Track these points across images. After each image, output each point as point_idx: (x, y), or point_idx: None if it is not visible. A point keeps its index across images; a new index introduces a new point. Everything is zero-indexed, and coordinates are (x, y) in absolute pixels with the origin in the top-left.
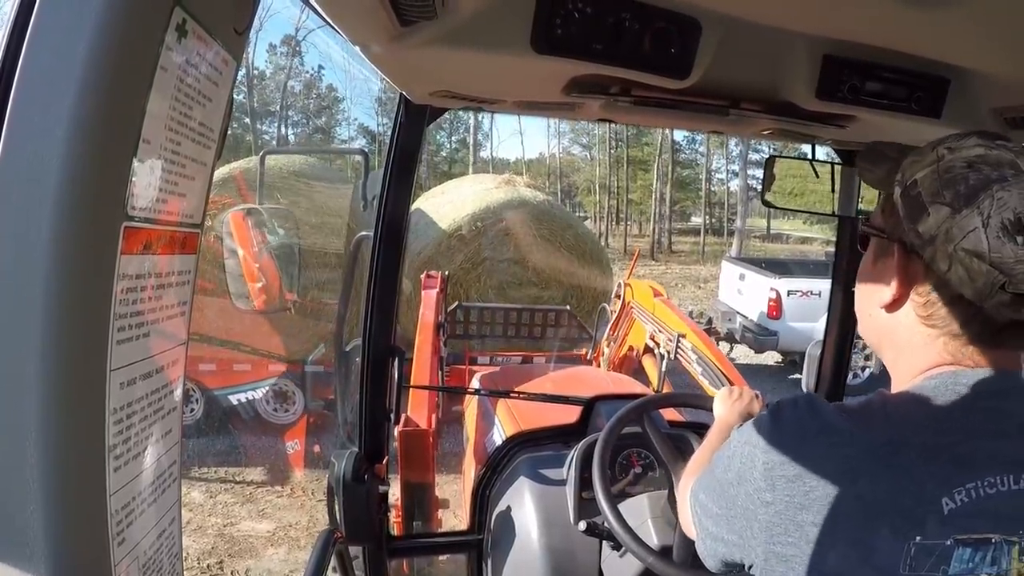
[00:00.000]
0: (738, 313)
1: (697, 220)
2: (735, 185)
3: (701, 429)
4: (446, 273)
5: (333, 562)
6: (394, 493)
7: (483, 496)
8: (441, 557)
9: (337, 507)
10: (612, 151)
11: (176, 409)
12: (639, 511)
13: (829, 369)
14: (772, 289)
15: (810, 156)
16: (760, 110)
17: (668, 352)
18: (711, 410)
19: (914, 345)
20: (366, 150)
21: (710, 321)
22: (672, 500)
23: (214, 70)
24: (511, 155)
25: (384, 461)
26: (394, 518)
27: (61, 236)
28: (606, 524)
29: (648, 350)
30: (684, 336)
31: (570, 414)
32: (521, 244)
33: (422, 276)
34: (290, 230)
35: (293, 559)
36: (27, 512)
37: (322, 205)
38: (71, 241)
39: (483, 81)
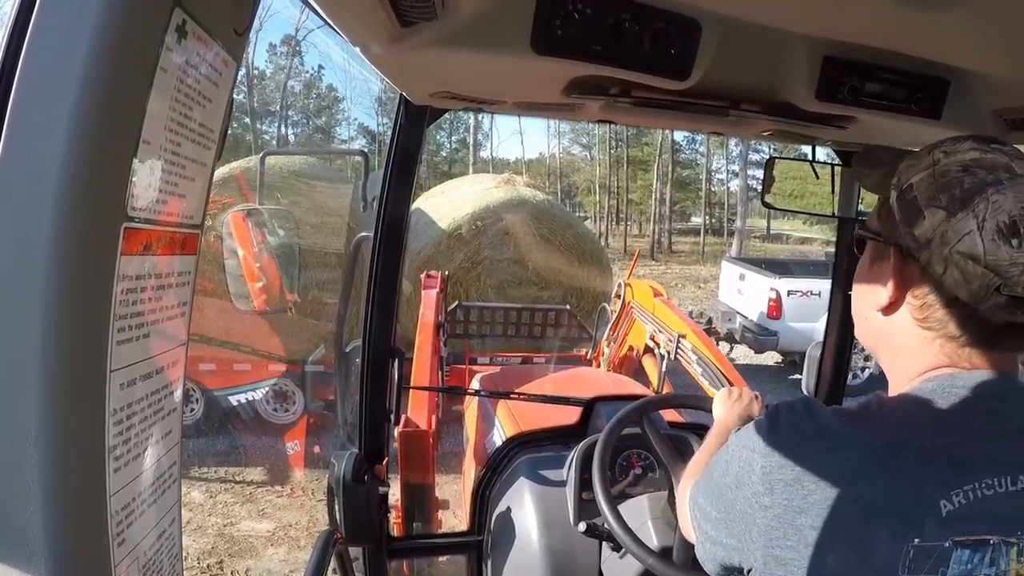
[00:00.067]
0: (738, 313)
1: (697, 220)
2: (735, 185)
3: (701, 430)
4: (446, 273)
5: (333, 563)
6: (394, 494)
7: (483, 497)
8: (441, 558)
9: (337, 508)
10: (612, 151)
11: (176, 410)
12: (639, 512)
13: (829, 370)
14: (772, 289)
15: (810, 157)
16: (760, 111)
17: (668, 352)
18: (711, 411)
19: (910, 348)
20: (366, 151)
21: (710, 321)
22: (672, 501)
23: (214, 71)
24: (511, 155)
25: (384, 462)
26: (394, 519)
27: (61, 237)
28: (606, 525)
29: (648, 350)
30: (684, 336)
31: (570, 415)
32: (521, 243)
33: (422, 276)
34: (290, 230)
35: (293, 559)
36: (27, 512)
37: (322, 205)
38: (71, 242)
39: (483, 82)
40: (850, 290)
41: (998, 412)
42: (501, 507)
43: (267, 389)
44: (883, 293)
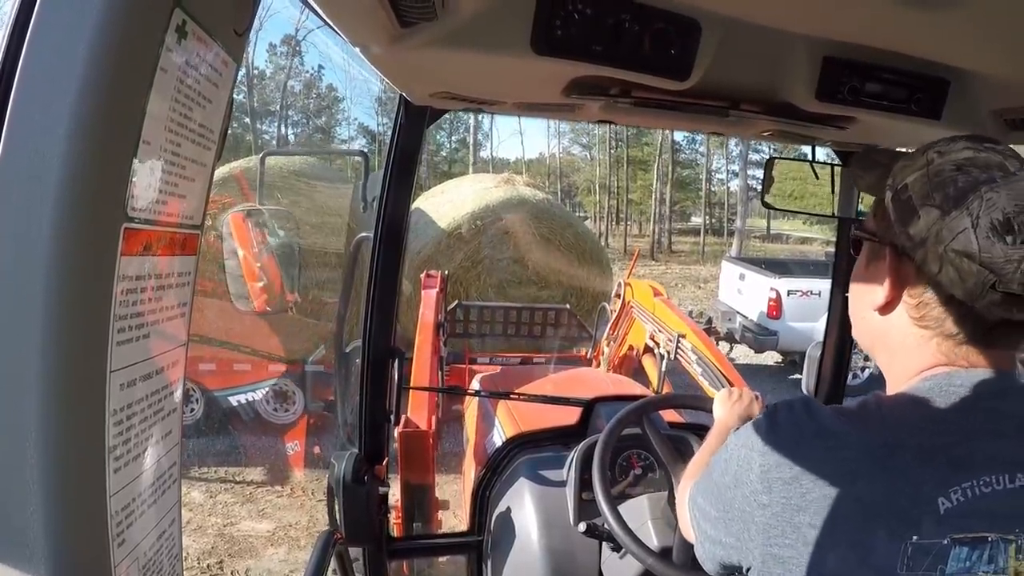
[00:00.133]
0: (738, 313)
1: (697, 220)
2: (735, 185)
3: (701, 430)
4: (446, 272)
5: (333, 563)
6: (394, 494)
7: (483, 497)
8: (441, 558)
9: (337, 508)
10: (612, 151)
11: (176, 410)
12: (639, 512)
13: (829, 370)
14: (772, 289)
15: (810, 157)
16: (760, 111)
17: (668, 352)
18: (711, 412)
19: (908, 347)
20: (366, 151)
21: (710, 321)
22: (672, 501)
23: (214, 71)
24: (511, 155)
25: (384, 462)
26: (394, 519)
27: (61, 237)
28: (606, 525)
29: (648, 350)
30: (684, 336)
31: (570, 415)
32: (521, 243)
33: (421, 275)
34: (290, 231)
35: (293, 559)
36: (27, 512)
37: (323, 205)
38: (71, 242)
39: (483, 82)
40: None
41: (996, 410)
42: (501, 507)
43: (267, 389)
44: (879, 293)
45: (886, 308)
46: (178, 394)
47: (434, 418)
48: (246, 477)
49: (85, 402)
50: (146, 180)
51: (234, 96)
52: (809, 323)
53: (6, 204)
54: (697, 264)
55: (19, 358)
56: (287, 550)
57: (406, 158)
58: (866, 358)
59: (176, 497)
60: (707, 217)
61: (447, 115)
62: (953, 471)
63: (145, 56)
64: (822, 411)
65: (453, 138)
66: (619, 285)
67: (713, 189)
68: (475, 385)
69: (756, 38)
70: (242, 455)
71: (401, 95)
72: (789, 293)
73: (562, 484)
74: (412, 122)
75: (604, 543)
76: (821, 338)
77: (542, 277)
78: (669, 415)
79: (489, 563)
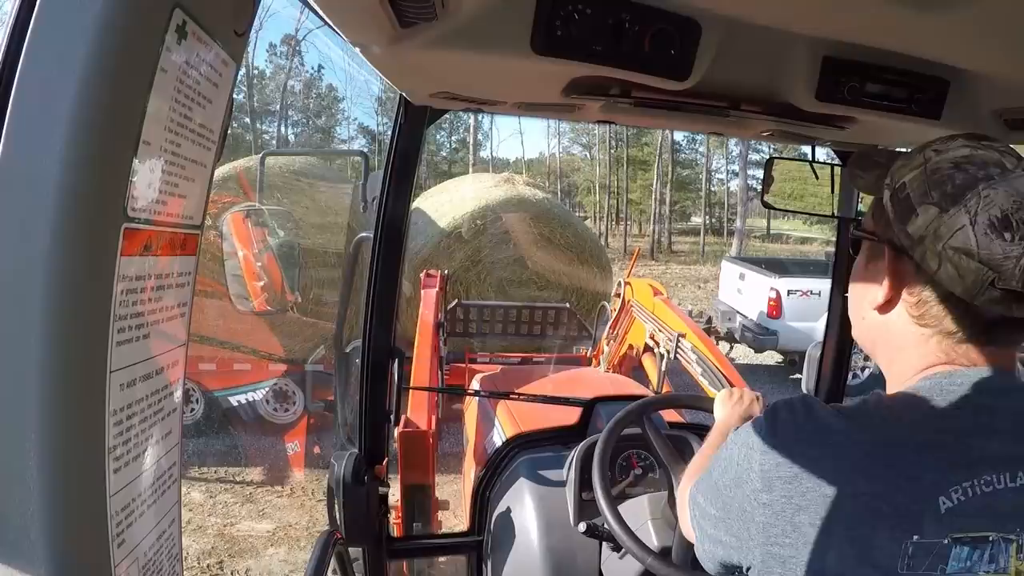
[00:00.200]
0: (738, 312)
1: (697, 220)
2: (735, 185)
3: (701, 430)
4: (446, 272)
5: (333, 563)
6: (394, 494)
7: (483, 497)
8: (441, 558)
9: (337, 508)
10: (612, 151)
11: (176, 410)
12: (639, 512)
13: (829, 369)
14: (772, 289)
15: (810, 157)
16: (760, 111)
17: (668, 352)
18: (711, 411)
19: (907, 345)
20: (366, 151)
21: (709, 320)
22: (672, 501)
23: (214, 72)
24: (511, 155)
25: (384, 462)
26: (394, 519)
27: (61, 237)
28: (606, 525)
29: (648, 349)
30: (684, 336)
31: (570, 415)
32: (520, 242)
33: (421, 275)
34: (290, 230)
35: (293, 559)
36: (27, 512)
37: (323, 204)
38: (71, 242)
39: (483, 82)
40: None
41: (996, 409)
42: (501, 507)
43: (267, 389)
44: (879, 292)
45: (885, 307)
46: (178, 394)
47: (434, 418)
48: (246, 477)
49: (85, 402)
50: (146, 180)
51: (234, 96)
52: (809, 323)
53: (6, 204)
54: (697, 264)
55: (19, 358)
56: (287, 550)
57: (406, 158)
58: (866, 357)
59: (176, 498)
60: (707, 217)
61: (447, 115)
62: (954, 470)
63: (145, 56)
64: (822, 410)
65: (453, 138)
66: (619, 284)
67: (713, 189)
68: (475, 385)
69: (756, 38)
70: (242, 455)
71: (401, 95)
72: (789, 293)
73: (562, 484)
74: (412, 122)
75: (604, 543)
76: (821, 338)
77: (542, 276)
78: (669, 415)
79: (489, 563)
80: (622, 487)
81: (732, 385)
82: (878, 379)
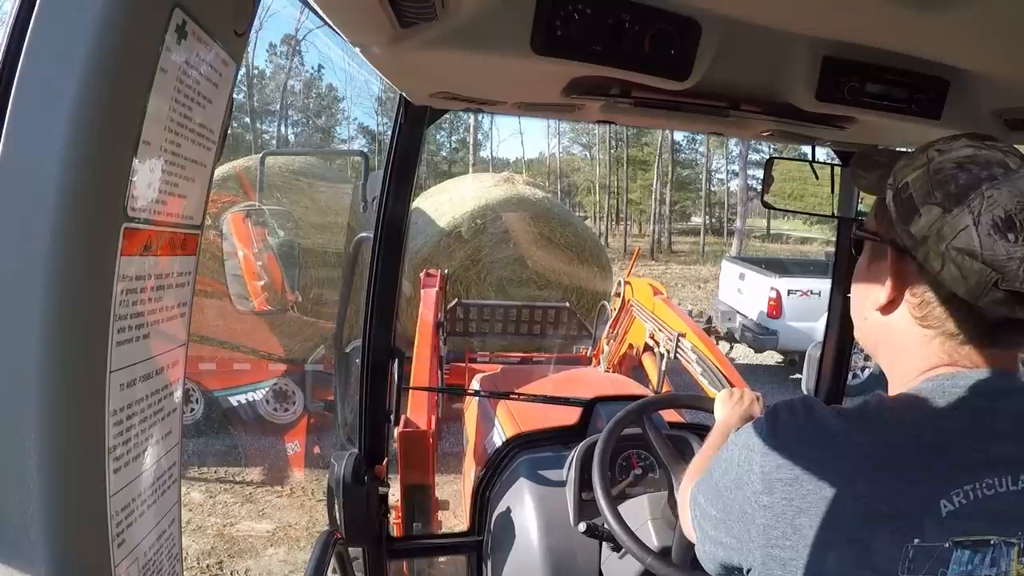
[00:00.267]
0: (738, 312)
1: (697, 220)
2: (735, 185)
3: (701, 430)
4: (445, 271)
5: (333, 563)
6: (394, 494)
7: (483, 497)
8: (441, 558)
9: (337, 508)
10: (612, 151)
11: (176, 410)
12: (639, 512)
13: (829, 370)
14: (772, 288)
15: (810, 157)
16: (760, 111)
17: (668, 351)
18: (711, 411)
19: (910, 347)
20: (366, 151)
21: (709, 320)
22: (672, 501)
23: (214, 71)
24: (511, 155)
25: (384, 462)
26: (394, 519)
27: (61, 237)
28: (606, 525)
29: (648, 349)
30: (684, 335)
31: (570, 415)
32: (520, 241)
33: (421, 274)
34: (290, 230)
35: (293, 559)
36: (27, 512)
37: (323, 204)
38: (71, 242)
39: (483, 82)
40: (849, 290)
41: (999, 411)
42: (501, 507)
43: (267, 389)
44: (881, 292)
45: (888, 308)
46: (178, 394)
47: (434, 418)
48: (246, 477)
49: (85, 402)
50: (146, 180)
51: (234, 96)
52: (809, 323)
53: (6, 204)
54: (697, 264)
55: (19, 358)
56: (287, 550)
57: (406, 158)
58: (866, 357)
59: (176, 498)
60: (707, 217)
61: (447, 115)
62: (955, 473)
63: (145, 56)
64: (823, 412)
65: (453, 138)
66: (619, 283)
67: (713, 189)
68: (475, 385)
69: (756, 38)
70: (242, 455)
71: (401, 95)
72: (789, 293)
73: (562, 484)
74: (412, 122)
75: (604, 543)
76: (821, 338)
77: (542, 276)
78: (669, 415)
79: (489, 563)
80: (622, 487)
81: (732, 385)
82: (878, 379)
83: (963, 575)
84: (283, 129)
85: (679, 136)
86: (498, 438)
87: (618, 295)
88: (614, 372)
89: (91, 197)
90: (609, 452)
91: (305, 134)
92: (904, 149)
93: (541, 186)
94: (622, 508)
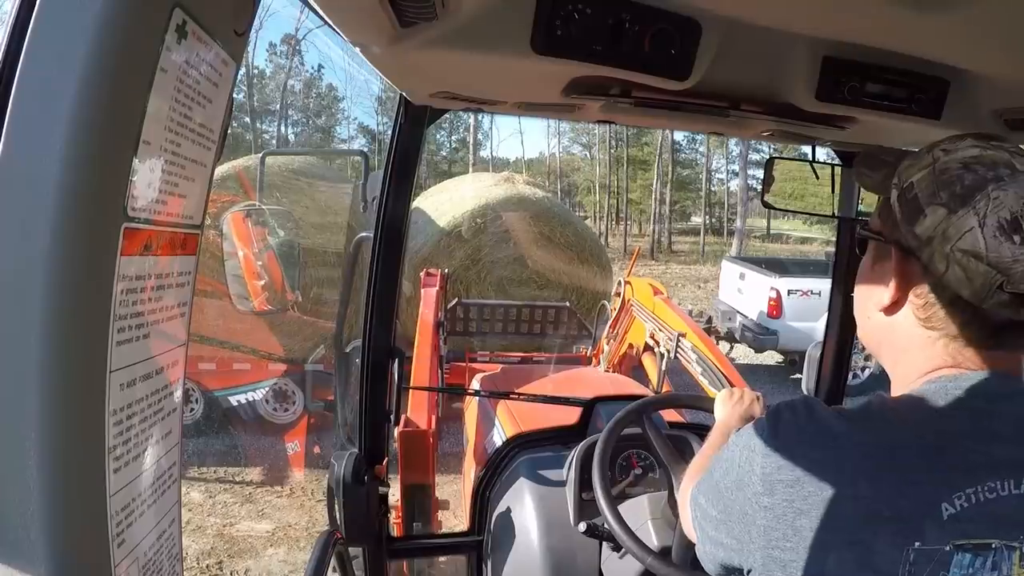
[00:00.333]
0: (738, 312)
1: (697, 220)
2: (735, 185)
3: (701, 430)
4: (446, 271)
5: (333, 563)
6: (394, 494)
7: (483, 497)
8: (441, 558)
9: (337, 508)
10: (612, 151)
11: (176, 410)
12: (639, 512)
13: (829, 370)
14: (772, 288)
15: (810, 157)
16: (760, 111)
17: (668, 351)
18: (711, 411)
19: (913, 348)
20: (366, 151)
21: (709, 320)
22: (672, 501)
23: (214, 71)
24: (511, 154)
25: (384, 462)
26: (394, 519)
27: (61, 237)
28: (606, 525)
29: (648, 348)
30: (684, 335)
31: (570, 415)
32: (520, 241)
33: (421, 274)
34: (290, 230)
35: (293, 559)
36: (27, 512)
37: (323, 204)
38: (71, 242)
39: (483, 82)
40: (850, 290)
41: (1002, 415)
42: (501, 507)
43: (267, 389)
44: (885, 293)
45: (892, 308)
46: (178, 394)
47: (434, 418)
48: (246, 477)
49: (85, 402)
50: (146, 180)
51: (234, 96)
52: (809, 323)
53: (6, 204)
54: (697, 264)
55: (19, 358)
56: (287, 550)
57: (406, 158)
58: (867, 357)
59: (176, 497)
60: (707, 217)
61: (447, 115)
62: (957, 476)
63: (145, 56)
64: (824, 412)
65: (453, 138)
66: (619, 283)
67: (713, 189)
68: (475, 384)
69: (756, 38)
70: (242, 455)
71: (401, 95)
72: (789, 293)
73: (562, 484)
74: (412, 122)
75: (604, 543)
76: (821, 338)
77: (542, 276)
78: (669, 415)
79: (489, 563)
80: (622, 487)
81: (732, 385)
82: (878, 379)
83: None
84: (283, 129)
85: (679, 136)
86: (498, 438)
87: (618, 295)
88: (614, 372)
89: (91, 197)
90: (609, 452)
91: (305, 134)
92: (906, 150)
93: (541, 186)
94: (622, 508)
